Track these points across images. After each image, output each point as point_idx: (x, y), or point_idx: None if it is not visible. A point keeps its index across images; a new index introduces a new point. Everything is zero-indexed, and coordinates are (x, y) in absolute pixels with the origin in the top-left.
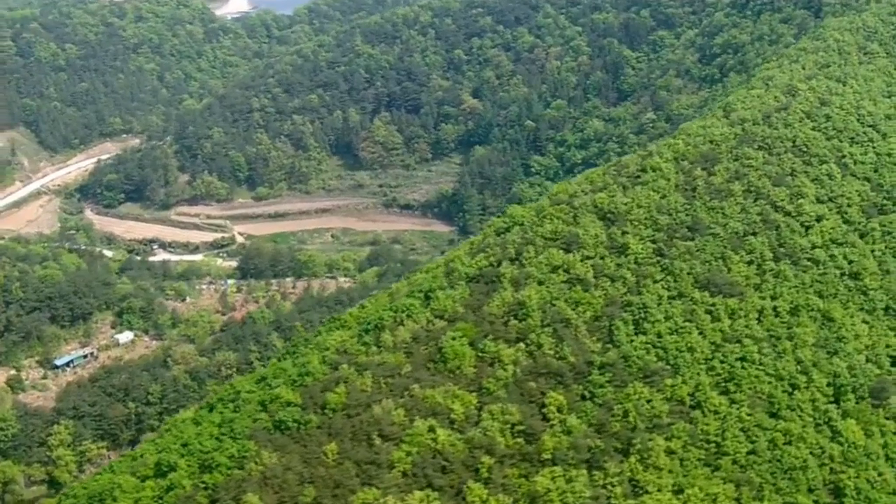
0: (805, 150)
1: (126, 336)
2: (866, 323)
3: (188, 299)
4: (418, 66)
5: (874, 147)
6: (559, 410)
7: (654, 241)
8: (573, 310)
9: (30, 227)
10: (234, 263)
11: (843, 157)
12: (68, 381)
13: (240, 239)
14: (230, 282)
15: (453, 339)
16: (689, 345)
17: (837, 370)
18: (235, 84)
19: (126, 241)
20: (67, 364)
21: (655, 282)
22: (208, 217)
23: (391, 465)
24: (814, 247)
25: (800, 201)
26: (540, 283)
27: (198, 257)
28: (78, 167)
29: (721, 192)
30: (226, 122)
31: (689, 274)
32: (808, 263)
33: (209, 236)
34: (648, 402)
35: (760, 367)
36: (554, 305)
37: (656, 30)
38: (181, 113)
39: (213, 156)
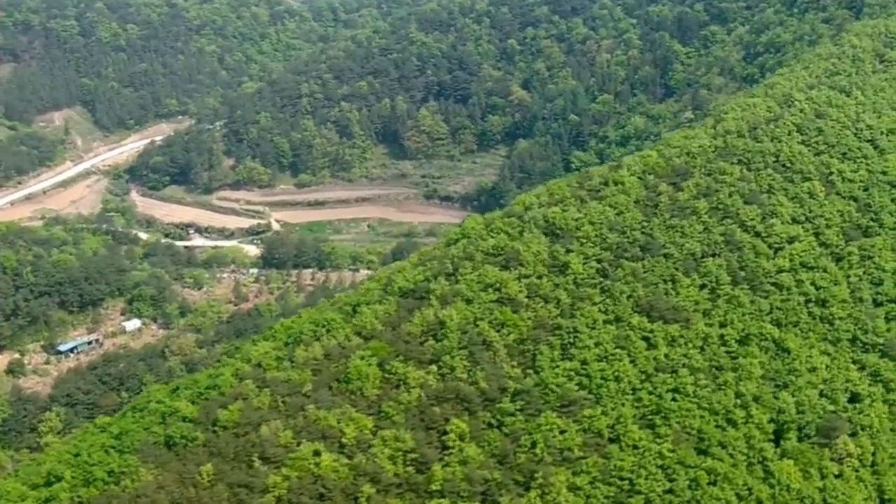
0: (788, 165)
1: (133, 324)
2: (827, 355)
3: (205, 288)
4: (470, 55)
5: (867, 164)
6: (460, 438)
7: (599, 261)
8: (497, 331)
9: (73, 207)
10: (261, 252)
11: (831, 174)
12: (69, 367)
13: (276, 226)
14: (252, 271)
15: (362, 358)
16: (616, 373)
17: (783, 406)
18: (288, 69)
19: (164, 225)
20: (71, 350)
21: (593, 304)
22: (248, 203)
23: (266, 489)
24: (779, 271)
25: (772, 221)
26: (468, 301)
27: (231, 243)
28: (130, 148)
29: (684, 210)
30: (274, 107)
31: (629, 297)
32: (771, 289)
33: (246, 222)
34: (562, 433)
35: (694, 400)
36: (476, 326)
37: (709, 24)
38: (233, 97)
39: (258, 141)
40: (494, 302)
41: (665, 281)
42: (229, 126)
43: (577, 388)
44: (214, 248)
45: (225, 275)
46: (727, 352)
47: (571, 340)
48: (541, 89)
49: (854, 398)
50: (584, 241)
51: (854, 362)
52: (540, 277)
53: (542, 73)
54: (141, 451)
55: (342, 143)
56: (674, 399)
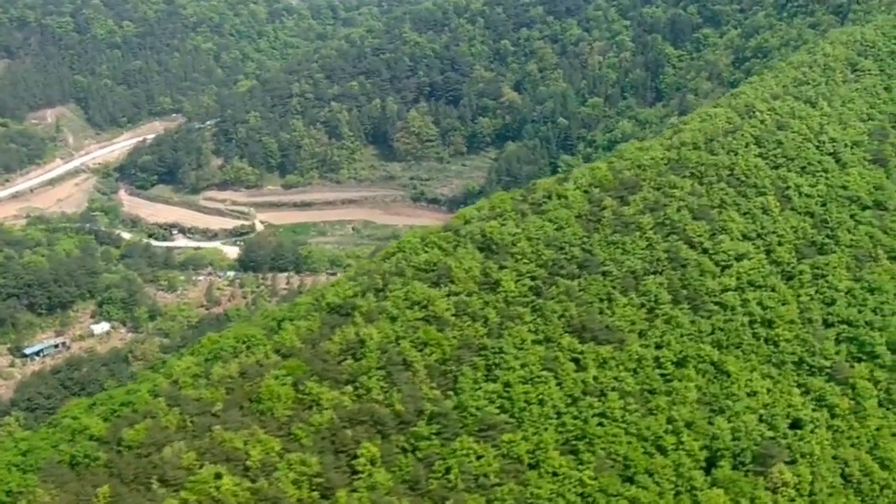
0: (742, 179)
1: (102, 327)
2: (769, 378)
3: (178, 290)
4: (463, 56)
5: (827, 178)
6: (371, 463)
7: (533, 278)
8: (419, 351)
9: (59, 206)
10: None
11: (787, 188)
12: (34, 370)
13: (260, 227)
14: (228, 274)
15: (276, 377)
16: (540, 396)
17: (717, 432)
18: (281, 68)
19: (149, 225)
20: (37, 353)
21: (523, 323)
22: (234, 203)
23: None
24: (724, 290)
25: (720, 237)
26: (392, 319)
27: (213, 244)
28: (122, 146)
29: (628, 225)
30: (265, 106)
31: (561, 317)
32: (714, 308)
33: (230, 223)
34: (479, 458)
35: (621, 425)
36: (398, 345)
37: (702, 27)
38: (226, 95)
39: (246, 140)
40: (420, 320)
41: (601, 300)
42: (220, 125)
43: (498, 411)
44: (196, 248)
45: (201, 277)
46: (662, 374)
47: (496, 361)
48: (532, 91)
49: (796, 424)
50: (520, 257)
51: (798, 386)
52: (470, 295)
53: (534, 74)
54: (43, 470)
55: (331, 144)
56: (600, 424)
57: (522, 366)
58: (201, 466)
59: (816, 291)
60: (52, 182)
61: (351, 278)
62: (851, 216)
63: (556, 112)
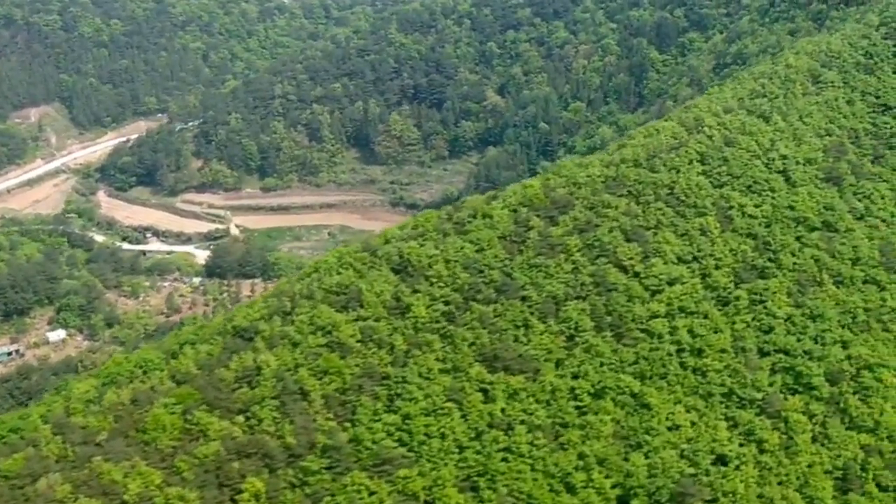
0: (682, 199)
1: (57, 335)
2: (695, 410)
3: (141, 297)
4: (448, 58)
5: (773, 198)
6: (255, 498)
7: (447, 303)
8: (318, 380)
9: (35, 207)
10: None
11: (730, 208)
12: None
13: (235, 231)
14: (194, 280)
15: (165, 406)
16: (442, 430)
17: (632, 469)
18: (265, 69)
19: (123, 228)
20: None
21: (431, 351)
22: (210, 206)
23: None
24: (652, 316)
25: (653, 260)
26: (294, 344)
27: (187, 248)
28: (105, 147)
29: (554, 247)
30: (247, 107)
31: (472, 345)
32: (639, 336)
33: (206, 227)
34: (371, 494)
35: (528, 461)
36: (295, 373)
37: (688, 31)
38: (209, 96)
39: (226, 142)
40: (323, 346)
41: (517, 326)
42: (202, 127)
43: (396, 444)
44: (169, 253)
45: (166, 284)
46: (576, 407)
47: (398, 392)
48: (516, 95)
49: (720, 460)
50: (435, 280)
51: (726, 419)
52: (378, 320)
53: (518, 77)
54: None
55: (311, 147)
56: (504, 459)
57: (426, 396)
58: (76, 500)
59: (753, 318)
60: (30, 183)
61: (266, 299)
62: (797, 238)
63: (538, 117)
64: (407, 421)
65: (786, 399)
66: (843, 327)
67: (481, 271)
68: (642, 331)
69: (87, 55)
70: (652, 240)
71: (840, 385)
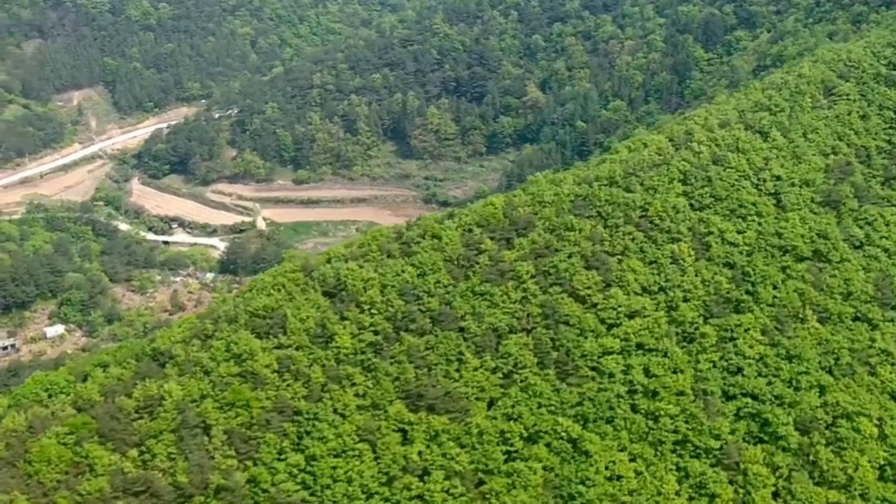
0: (655, 222)
1: (55, 330)
2: (641, 459)
3: (149, 292)
4: (492, 51)
5: (760, 223)
6: None
7: (376, 332)
8: (223, 413)
9: (66, 192)
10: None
11: (709, 233)
12: None
13: (261, 224)
14: (208, 275)
15: (56, 435)
16: (349, 473)
17: None
18: (307, 57)
19: (150, 217)
20: None
21: (352, 385)
22: (240, 198)
23: None
24: (605, 353)
25: (613, 290)
26: (206, 372)
27: (211, 241)
28: (145, 132)
29: (504, 274)
30: (284, 96)
31: (396, 380)
32: (587, 374)
33: (232, 219)
34: None
35: None
36: (199, 404)
37: (735, 29)
38: (249, 83)
39: (260, 132)
40: (235, 376)
41: (448, 361)
42: (240, 115)
43: (298, 487)
44: (193, 244)
45: (178, 279)
46: (506, 452)
47: (308, 429)
48: (558, 91)
49: None
50: (367, 306)
51: (677, 469)
52: (299, 349)
53: (561, 73)
54: None
55: (346, 139)
56: None
57: (337, 436)
58: None
59: (721, 357)
60: (65, 168)
61: (196, 318)
62: (782, 269)
63: (577, 115)
64: (313, 462)
65: (745, 449)
66: (822, 370)
67: (419, 298)
68: (592, 368)
69: (133, 38)
70: (615, 268)
71: (811, 435)
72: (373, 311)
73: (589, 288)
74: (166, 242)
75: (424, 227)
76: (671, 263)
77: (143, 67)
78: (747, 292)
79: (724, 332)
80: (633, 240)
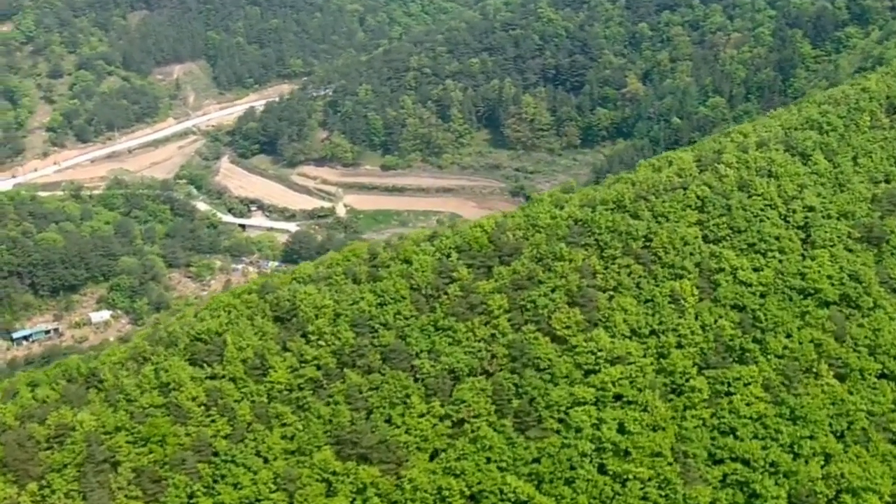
0: (659, 255)
1: (100, 315)
2: None
3: (205, 280)
4: (595, 38)
5: (781, 260)
6: None
7: (318, 367)
8: (136, 447)
9: (152, 169)
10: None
11: (719, 270)
12: (16, 356)
13: (341, 211)
14: (271, 264)
15: None
16: None
17: None
18: (407, 37)
19: (231, 198)
20: (25, 338)
21: (282, 425)
22: (324, 182)
23: None
24: (575, 403)
25: (596, 332)
26: (129, 401)
27: (288, 226)
28: (242, 109)
29: (474, 307)
30: (379, 78)
31: (328, 422)
32: (552, 427)
33: (313, 204)
34: None
35: None
36: (112, 437)
37: (847, 25)
38: (348, 62)
39: (351, 114)
40: (158, 407)
41: (392, 404)
42: (334, 96)
43: None
44: (269, 229)
45: (238, 266)
46: None
47: (224, 472)
48: (658, 83)
49: None
50: (314, 336)
51: None
52: (233, 380)
53: (664, 64)
54: None
55: (438, 126)
56: None
57: (253, 482)
58: None
59: (712, 415)
60: (155, 143)
61: (142, 338)
62: (801, 314)
63: (673, 110)
64: None
65: None
66: (831, 435)
67: (373, 330)
68: (559, 421)
69: (238, 12)
70: (604, 305)
71: None
72: (320, 342)
73: (569, 327)
74: (242, 226)
75: (398, 248)
76: (669, 303)
77: (245, 42)
78: (755, 340)
79: (719, 385)
80: (629, 274)
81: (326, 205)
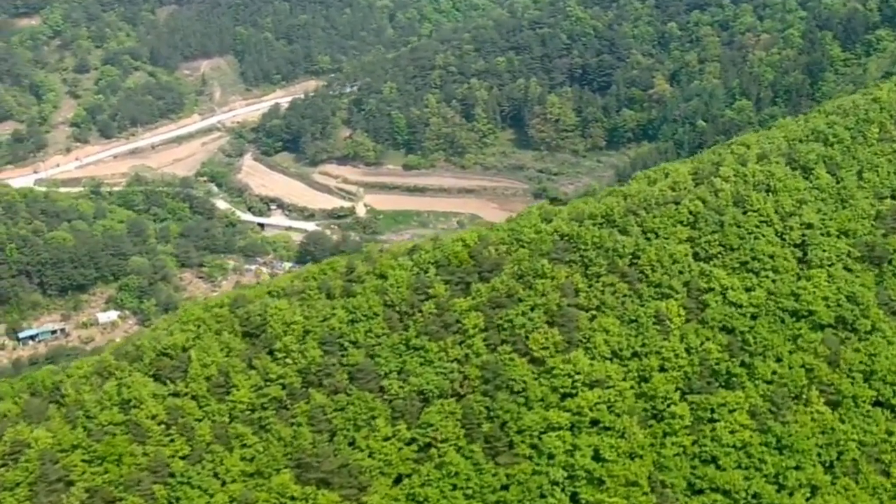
0: (646, 273)
1: (107, 316)
2: None
3: (217, 280)
4: (623, 38)
5: (775, 280)
6: None
7: (283, 386)
8: (91, 466)
9: (174, 166)
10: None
11: (708, 290)
12: (21, 355)
13: (361, 211)
14: (285, 265)
15: None
16: None
17: None
18: (438, 35)
19: (251, 196)
20: (31, 337)
21: (242, 446)
22: (345, 181)
23: None
24: (549, 428)
25: (575, 353)
26: (89, 417)
27: (306, 226)
28: (268, 105)
29: (449, 326)
30: (404, 76)
31: (288, 445)
32: (523, 453)
33: (333, 203)
34: None
35: None
36: (68, 455)
37: (878, 27)
38: (374, 59)
39: (375, 113)
40: (119, 425)
41: (357, 426)
42: (359, 93)
43: None
44: (288, 228)
45: (252, 267)
46: None
47: (179, 496)
48: (686, 84)
49: None
50: (281, 354)
51: None
52: (195, 398)
53: (692, 65)
54: None
55: (461, 125)
56: None
57: None
58: None
59: (694, 442)
60: (178, 139)
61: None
62: (792, 338)
63: (699, 113)
64: None
65: None
66: (819, 465)
67: (343, 348)
68: (531, 447)
69: (266, 8)
70: (585, 326)
71: None
72: (287, 359)
73: (546, 348)
74: (261, 225)
75: (376, 262)
76: (654, 324)
77: (273, 38)
78: (742, 364)
79: (702, 411)
80: (614, 293)
81: (346, 204)
